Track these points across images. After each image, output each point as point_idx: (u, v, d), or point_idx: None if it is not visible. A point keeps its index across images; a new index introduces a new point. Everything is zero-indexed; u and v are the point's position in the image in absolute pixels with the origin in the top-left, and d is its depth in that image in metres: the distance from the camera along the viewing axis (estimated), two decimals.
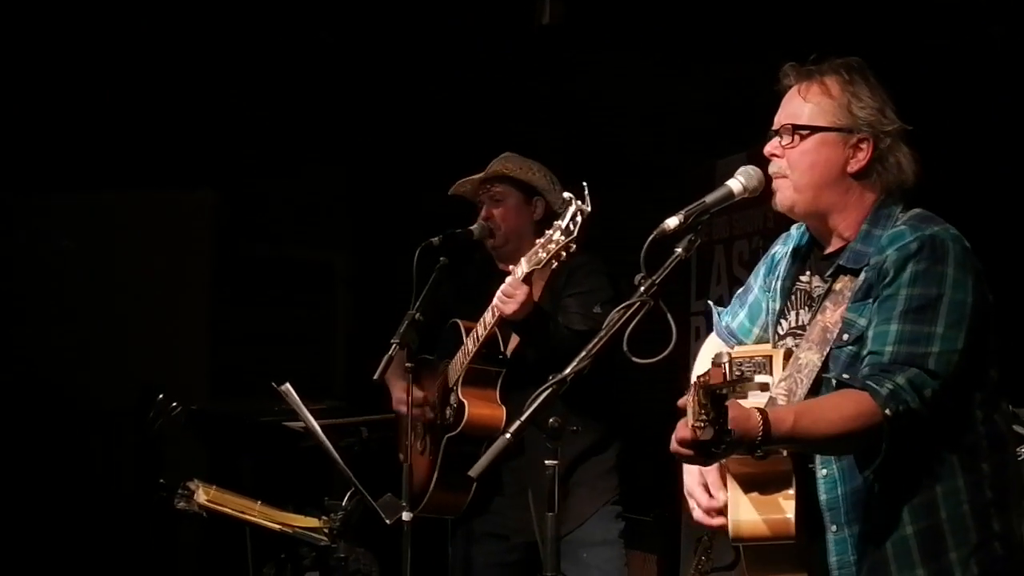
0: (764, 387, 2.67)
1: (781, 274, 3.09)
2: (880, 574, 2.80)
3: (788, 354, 2.95)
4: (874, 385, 2.69)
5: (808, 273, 3.01)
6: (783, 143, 2.93)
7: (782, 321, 3.03)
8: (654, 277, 2.72)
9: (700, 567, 6.06)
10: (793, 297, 3.02)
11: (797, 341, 2.95)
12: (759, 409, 2.63)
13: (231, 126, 7.42)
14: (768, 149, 2.96)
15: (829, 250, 2.97)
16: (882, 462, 2.72)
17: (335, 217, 7.87)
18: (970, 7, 5.67)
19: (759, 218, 6.90)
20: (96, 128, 7.15)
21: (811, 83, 2.93)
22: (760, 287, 3.18)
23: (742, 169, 2.91)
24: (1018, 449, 4.65)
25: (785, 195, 2.94)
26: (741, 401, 2.76)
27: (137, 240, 7.27)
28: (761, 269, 3.20)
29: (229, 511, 4.47)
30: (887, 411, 2.65)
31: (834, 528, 2.84)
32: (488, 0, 6.95)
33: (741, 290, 3.27)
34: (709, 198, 2.86)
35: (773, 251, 3.19)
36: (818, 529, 2.86)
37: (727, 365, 2.46)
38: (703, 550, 6.14)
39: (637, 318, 2.71)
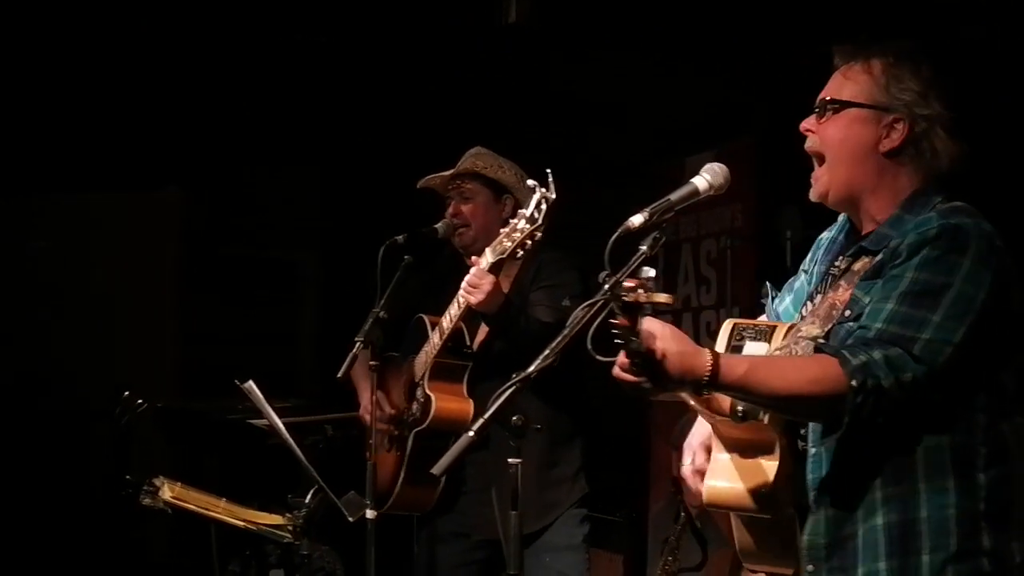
0: (667, 304, 2.53)
1: (820, 258, 3.06)
2: (846, 561, 2.76)
3: (792, 327, 2.91)
4: (847, 354, 2.63)
5: (842, 257, 2.96)
6: (818, 118, 2.91)
7: (808, 303, 2.99)
8: (619, 275, 2.64)
9: (667, 567, 6.06)
10: (825, 281, 2.98)
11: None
12: (712, 351, 2.62)
13: (199, 126, 7.40)
14: (804, 125, 2.94)
15: (864, 233, 2.93)
16: (851, 439, 2.69)
17: (302, 216, 7.87)
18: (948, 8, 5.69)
19: (727, 217, 6.92)
20: (64, 130, 7.14)
21: (855, 62, 2.90)
22: (805, 272, 3.14)
23: (708, 166, 2.88)
24: None
25: (820, 183, 2.92)
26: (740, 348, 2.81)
27: (106, 240, 7.29)
28: (808, 255, 3.16)
29: (194, 508, 4.48)
30: (853, 381, 2.59)
31: (814, 508, 2.80)
32: (461, 0, 6.95)
33: (794, 276, 3.23)
34: (674, 195, 2.82)
35: (820, 236, 3.13)
36: (807, 509, 2.83)
37: (649, 281, 2.48)
38: (670, 550, 6.14)
39: (601, 316, 2.69)
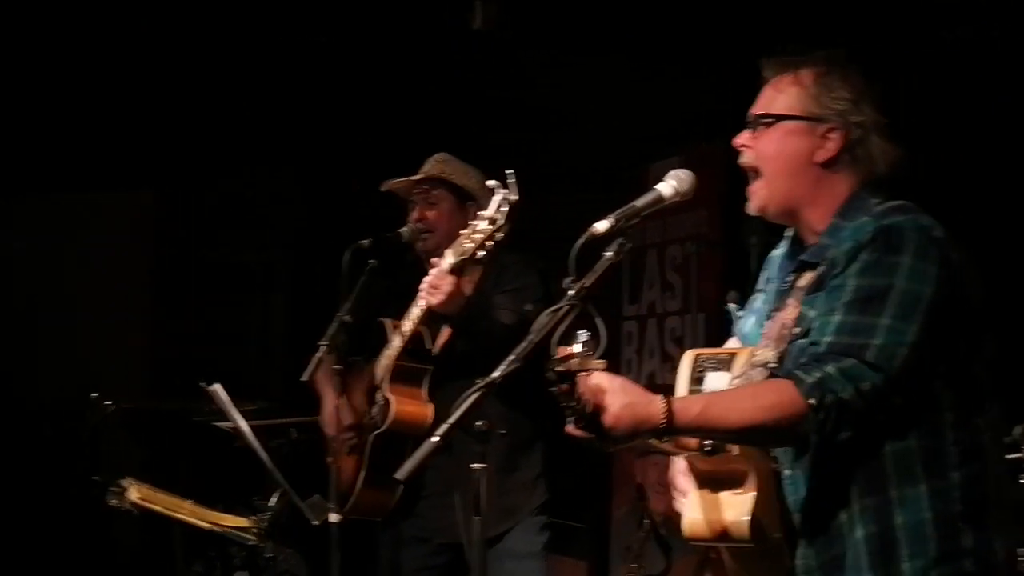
0: (600, 370, 2.56)
1: (773, 276, 3.04)
2: None
3: (751, 352, 2.89)
4: (800, 374, 2.60)
5: (794, 273, 2.95)
6: (751, 133, 2.89)
7: (767, 323, 2.97)
8: (583, 281, 2.67)
9: (631, 574, 6.08)
10: (780, 298, 2.96)
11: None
12: (665, 397, 2.61)
13: (174, 128, 7.39)
14: (737, 140, 2.92)
15: (806, 246, 2.91)
16: (822, 457, 2.69)
17: (273, 219, 7.86)
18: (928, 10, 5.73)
19: (692, 223, 6.93)
20: (39, 131, 7.11)
21: (785, 75, 2.89)
22: (761, 291, 3.13)
23: (672, 172, 2.87)
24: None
25: (758, 197, 2.89)
26: (699, 389, 2.80)
27: (79, 241, 7.28)
28: (761, 274, 3.15)
29: (160, 509, 4.49)
30: (811, 400, 2.56)
31: (801, 531, 2.79)
32: (427, 4, 6.95)
33: (754, 295, 3.21)
34: (639, 201, 2.81)
35: (771, 254, 3.11)
36: (794, 531, 2.82)
37: (581, 344, 2.50)
38: (633, 557, 6.15)
39: (566, 322, 2.69)
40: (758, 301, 3.10)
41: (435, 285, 4.25)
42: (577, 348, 2.52)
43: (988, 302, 2.74)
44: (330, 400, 4.60)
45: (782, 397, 2.60)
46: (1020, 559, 4.70)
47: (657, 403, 2.59)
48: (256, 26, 7.11)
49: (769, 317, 2.94)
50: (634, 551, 6.18)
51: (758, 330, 3.01)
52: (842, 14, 5.86)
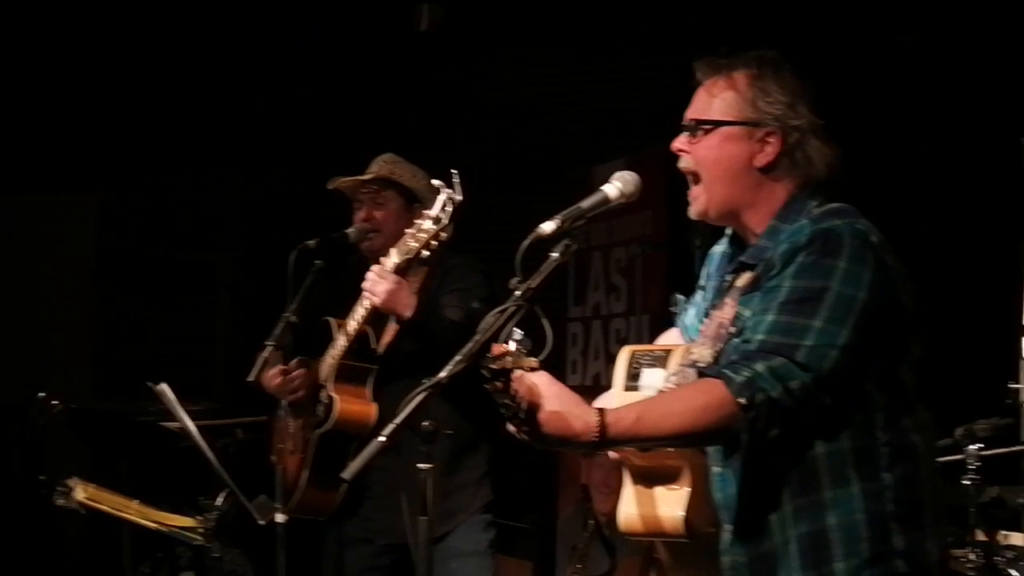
0: (533, 368, 2.54)
1: (712, 273, 3.05)
2: None
3: (687, 349, 2.91)
4: (730, 373, 2.60)
5: (732, 273, 2.95)
6: (689, 138, 2.89)
7: (705, 319, 2.98)
8: (530, 281, 2.65)
9: (576, 574, 6.10)
10: (719, 296, 2.96)
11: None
12: (599, 409, 2.60)
13: (119, 129, 7.35)
14: (675, 144, 2.92)
15: (747, 247, 2.91)
16: (754, 456, 2.70)
17: (218, 219, 7.83)
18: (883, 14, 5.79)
19: (638, 225, 6.97)
20: None
21: (719, 78, 2.88)
22: (701, 287, 3.12)
23: (618, 174, 2.87)
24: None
25: (698, 202, 2.90)
26: (628, 395, 2.80)
27: (25, 241, 7.24)
28: (703, 270, 3.14)
29: (106, 509, 4.47)
30: (741, 400, 2.56)
31: (728, 527, 2.80)
32: (374, 6, 6.96)
33: (696, 290, 3.21)
34: (585, 203, 2.80)
35: (712, 250, 3.11)
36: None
37: (515, 342, 2.50)
38: (579, 557, 6.18)
39: (513, 322, 2.69)
40: (698, 295, 3.12)
41: (376, 281, 4.25)
42: (512, 346, 2.52)
43: (919, 306, 2.76)
44: (276, 375, 4.58)
45: (712, 398, 2.60)
46: (962, 559, 4.79)
47: (590, 416, 2.58)
48: (200, 28, 7.09)
49: (707, 314, 2.96)
50: (579, 551, 6.21)
51: (697, 323, 3.04)
52: (779, 16, 5.92)
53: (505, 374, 2.49)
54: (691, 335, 3.08)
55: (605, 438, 2.58)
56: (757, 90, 2.83)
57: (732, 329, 2.78)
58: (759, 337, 2.65)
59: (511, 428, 2.59)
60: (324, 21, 7.05)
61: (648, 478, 2.85)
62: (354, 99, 7.54)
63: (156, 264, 7.65)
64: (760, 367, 2.59)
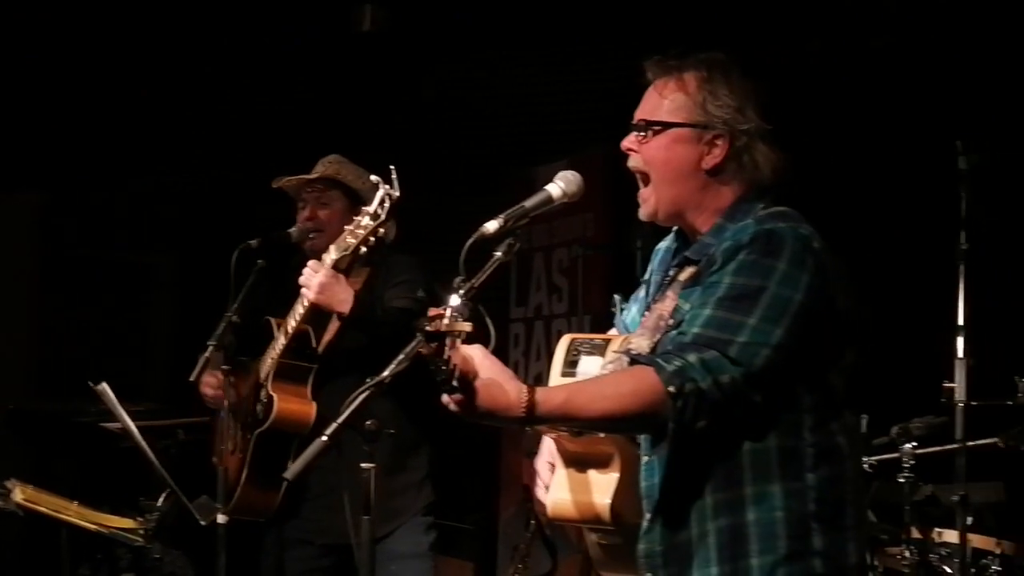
0: (467, 332, 2.54)
1: (656, 268, 3.07)
2: (681, 567, 2.78)
3: (626, 339, 2.92)
4: (661, 361, 2.62)
5: (675, 267, 2.98)
6: (638, 137, 2.91)
7: (647, 313, 3.00)
8: (473, 280, 2.66)
9: (517, 575, 6.11)
10: (660, 291, 2.98)
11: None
12: (528, 385, 2.61)
13: (58, 129, 7.30)
14: (625, 143, 2.94)
15: (692, 243, 2.93)
16: (680, 446, 2.72)
17: (158, 220, 7.79)
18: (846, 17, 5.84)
19: (579, 226, 7.00)
20: None
21: (669, 79, 2.90)
22: (644, 282, 3.15)
23: (561, 174, 2.89)
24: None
25: (648, 204, 2.92)
26: (564, 380, 2.82)
27: None
28: (648, 266, 3.16)
29: (45, 511, 4.43)
30: (670, 388, 2.58)
31: (648, 516, 2.82)
32: (316, 6, 6.95)
33: (639, 285, 3.23)
34: (528, 202, 2.83)
35: (658, 246, 3.13)
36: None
37: (450, 307, 2.51)
38: (520, 558, 6.18)
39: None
40: (642, 291, 3.14)
41: (311, 277, 4.25)
42: (448, 311, 2.53)
43: (857, 314, 2.79)
44: (211, 381, 4.56)
45: (642, 384, 2.62)
46: (897, 556, 4.85)
47: (519, 391, 2.59)
48: (139, 28, 7.05)
49: (649, 308, 2.98)
50: (521, 552, 6.21)
51: (639, 319, 3.05)
52: (718, 21, 5.97)
53: (440, 337, 2.49)
54: (633, 331, 3.08)
55: (533, 414, 2.59)
56: (707, 93, 2.87)
57: (670, 321, 2.81)
58: (694, 330, 2.67)
59: (444, 398, 2.59)
60: (267, 20, 7.02)
61: (579, 463, 2.87)
62: (297, 99, 7.52)
63: (96, 264, 7.60)
64: (692, 358, 2.62)
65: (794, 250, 2.71)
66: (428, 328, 2.50)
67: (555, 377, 2.92)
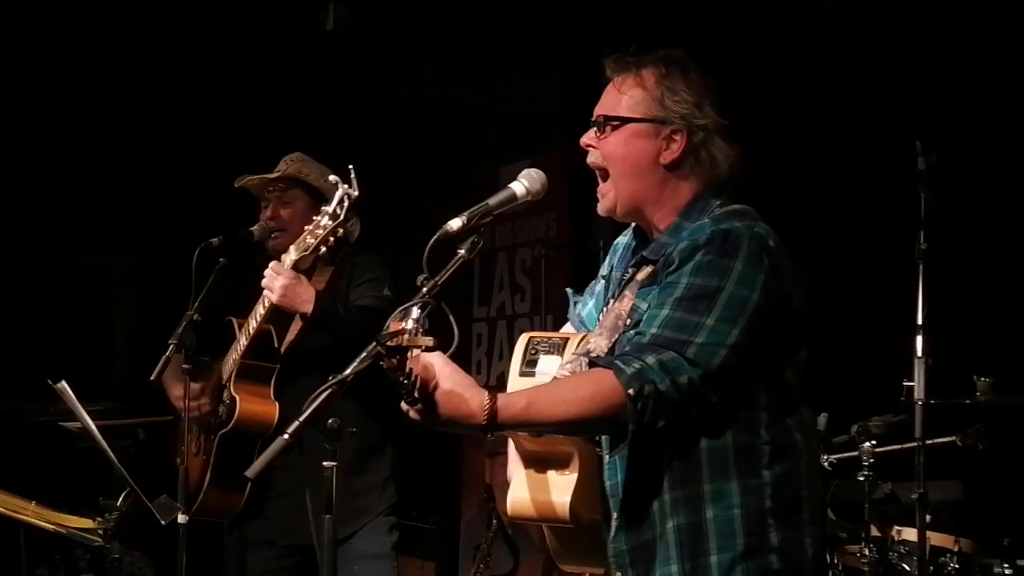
0: (429, 347, 2.56)
1: (616, 264, 3.08)
2: (646, 565, 2.80)
3: (584, 338, 2.93)
4: (620, 364, 2.64)
5: (633, 267, 2.98)
6: (597, 134, 2.93)
7: (605, 310, 3.01)
8: (437, 278, 2.67)
9: (479, 574, 6.12)
10: (619, 288, 2.99)
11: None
12: (491, 393, 2.63)
13: (14, 128, 7.25)
14: (584, 140, 2.96)
15: (650, 241, 2.95)
16: (638, 445, 2.74)
17: (117, 219, 7.75)
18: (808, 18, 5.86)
19: (542, 226, 7.01)
20: None
21: (627, 75, 2.92)
22: (603, 277, 3.15)
23: (525, 172, 2.90)
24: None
25: (606, 200, 2.94)
26: (523, 380, 2.83)
27: None
28: (605, 260, 3.18)
29: (3, 511, 4.39)
30: (630, 391, 2.61)
31: (615, 515, 2.84)
32: (279, 6, 6.93)
33: (596, 279, 3.24)
34: (492, 200, 2.84)
35: (617, 241, 3.14)
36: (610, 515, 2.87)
37: (411, 321, 2.52)
38: (481, 558, 6.20)
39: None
40: (598, 286, 3.16)
41: (273, 279, 4.24)
42: (409, 324, 2.53)
43: (808, 313, 2.81)
44: (176, 390, 4.54)
45: (602, 386, 2.64)
46: (856, 554, 4.88)
47: (480, 399, 2.61)
48: (101, 25, 7.01)
49: (607, 305, 2.99)
50: (483, 551, 6.23)
51: (596, 315, 3.07)
52: (677, 21, 5.99)
53: (401, 351, 2.50)
54: (590, 326, 3.11)
55: (495, 421, 2.62)
56: (665, 88, 2.88)
57: (628, 321, 2.82)
58: (652, 331, 2.69)
59: (404, 406, 2.60)
60: (229, 20, 6.99)
61: (539, 463, 2.88)
62: (260, 98, 7.50)
63: (56, 263, 7.56)
64: (651, 360, 2.64)
65: (751, 249, 2.73)
66: (389, 344, 2.51)
67: (514, 376, 2.93)
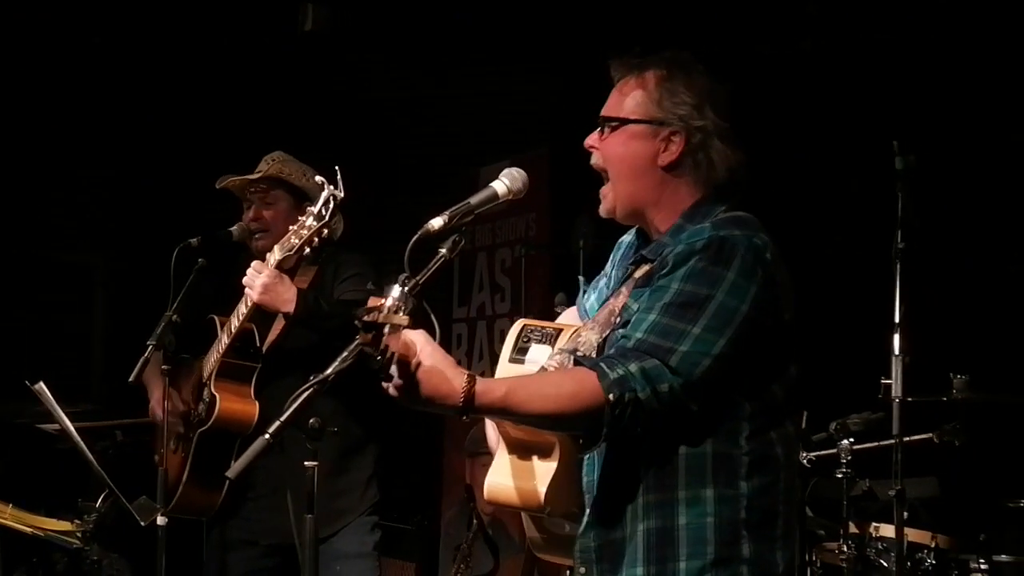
0: (404, 325, 2.54)
1: (617, 262, 3.08)
2: (612, 565, 2.80)
3: (577, 331, 2.93)
4: (605, 367, 2.64)
5: (632, 265, 2.98)
6: (599, 135, 2.93)
7: (602, 306, 3.01)
8: (418, 277, 2.66)
9: (459, 574, 6.12)
10: (618, 284, 2.99)
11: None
12: (469, 375, 2.63)
13: None
14: (587, 141, 2.96)
15: (652, 241, 2.94)
16: (616, 446, 2.74)
17: (94, 218, 7.73)
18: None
19: (522, 226, 7.02)
20: None
21: (630, 77, 2.92)
22: (606, 274, 3.15)
23: (506, 171, 2.89)
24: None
25: (607, 201, 2.94)
26: (511, 366, 2.84)
27: None
28: (611, 255, 3.17)
29: None
30: (610, 395, 2.61)
31: (587, 511, 2.84)
32: (259, 6, 6.92)
33: (601, 273, 3.23)
34: (474, 199, 2.83)
35: (621, 239, 3.14)
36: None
37: (391, 298, 2.52)
38: (462, 558, 6.20)
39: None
40: (602, 280, 3.16)
41: (255, 278, 4.24)
42: (389, 302, 2.54)
43: (799, 327, 2.79)
44: (157, 391, 4.54)
45: (583, 388, 2.64)
46: (834, 551, 4.90)
47: (460, 380, 2.61)
48: (80, 23, 6.99)
49: (606, 300, 2.99)
50: (463, 552, 6.23)
51: (597, 307, 3.06)
52: (663, 23, 6.00)
53: (376, 327, 2.50)
54: (591, 315, 3.09)
55: (472, 404, 2.62)
56: (664, 90, 2.88)
57: (618, 319, 2.82)
58: (638, 335, 2.69)
59: (383, 384, 2.60)
60: (209, 19, 6.98)
61: (522, 449, 2.88)
62: (241, 97, 7.48)
63: (30, 263, 7.53)
64: (633, 367, 2.64)
65: (745, 260, 2.72)
66: (365, 318, 2.51)
67: (503, 363, 2.94)
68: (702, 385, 2.66)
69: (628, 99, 2.92)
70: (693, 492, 2.73)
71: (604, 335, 2.85)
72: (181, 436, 4.61)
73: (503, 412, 2.70)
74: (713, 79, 2.92)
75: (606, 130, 2.93)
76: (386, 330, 2.51)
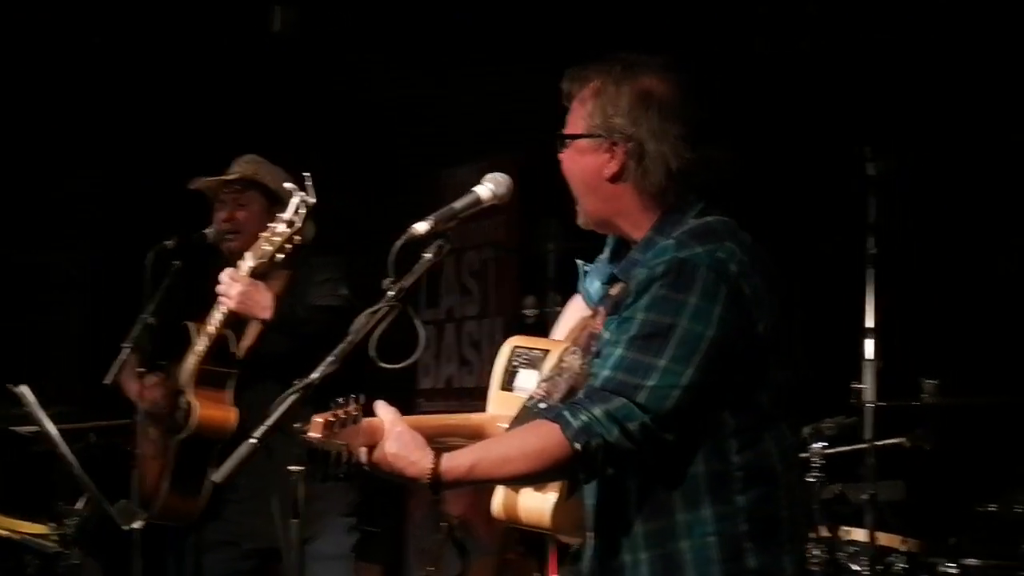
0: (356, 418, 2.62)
1: (604, 258, 3.04)
2: None
3: (565, 350, 2.93)
4: (568, 417, 2.62)
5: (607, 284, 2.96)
6: (561, 152, 2.91)
7: (581, 329, 3.00)
8: (402, 282, 2.67)
9: None
10: (598, 301, 2.98)
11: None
12: (435, 456, 2.64)
13: None
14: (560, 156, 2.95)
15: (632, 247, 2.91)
16: (607, 479, 2.73)
17: (72, 219, 7.69)
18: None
19: (490, 228, 7.03)
20: None
21: (580, 90, 2.89)
22: (603, 257, 3.09)
23: (491, 175, 2.90)
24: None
25: (580, 214, 2.93)
26: (504, 395, 2.84)
27: None
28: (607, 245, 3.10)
29: None
30: (576, 445, 2.59)
31: (591, 535, 2.83)
32: (228, 7, 6.90)
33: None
34: (457, 204, 2.84)
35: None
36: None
37: (331, 420, 2.55)
38: (431, 560, 6.20)
39: (386, 322, 2.68)
40: (601, 264, 3.08)
41: (230, 287, 4.23)
42: (332, 416, 2.57)
43: (781, 330, 2.75)
44: (134, 391, 4.53)
45: (549, 443, 2.62)
46: (807, 555, 4.93)
47: (426, 461, 2.62)
48: (60, 25, 6.96)
49: (602, 299, 2.96)
50: (431, 554, 6.23)
51: (603, 291, 3.00)
52: (632, 26, 6.02)
53: (323, 456, 2.55)
54: (594, 300, 3.05)
55: (440, 483, 2.64)
56: (605, 100, 2.84)
57: (594, 347, 2.81)
58: (605, 373, 2.66)
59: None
60: (181, 21, 6.96)
61: None
62: (213, 99, 7.46)
63: (8, 265, 7.48)
64: (598, 410, 2.61)
65: (707, 281, 2.66)
66: (315, 445, 2.55)
67: (494, 390, 2.97)
68: (675, 416, 2.63)
69: (574, 114, 2.89)
70: (691, 515, 2.70)
71: (586, 360, 2.84)
72: (160, 442, 4.60)
73: (474, 483, 2.70)
74: (666, 77, 2.85)
75: (562, 147, 2.90)
76: (351, 425, 2.56)
